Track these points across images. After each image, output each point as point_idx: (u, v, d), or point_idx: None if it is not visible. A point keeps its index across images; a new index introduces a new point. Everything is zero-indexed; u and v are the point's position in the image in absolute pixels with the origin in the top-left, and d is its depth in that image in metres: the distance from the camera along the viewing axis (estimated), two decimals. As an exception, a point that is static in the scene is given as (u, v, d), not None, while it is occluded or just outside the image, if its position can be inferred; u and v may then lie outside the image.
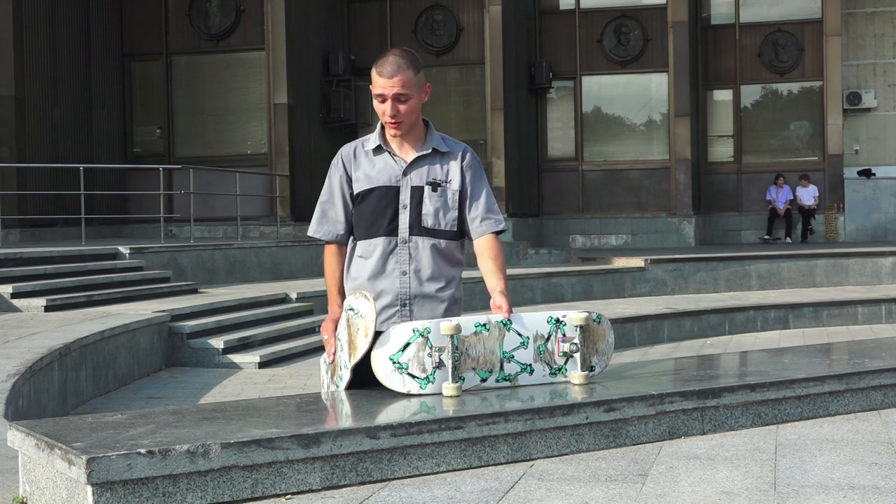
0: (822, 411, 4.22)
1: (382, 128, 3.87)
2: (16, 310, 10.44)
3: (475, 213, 3.88)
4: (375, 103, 3.80)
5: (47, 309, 10.41)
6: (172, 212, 16.63)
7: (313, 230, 3.93)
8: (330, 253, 3.92)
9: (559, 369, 3.86)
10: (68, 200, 16.40)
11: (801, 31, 22.14)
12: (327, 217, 3.89)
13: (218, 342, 10.21)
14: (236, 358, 10.13)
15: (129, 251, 12.98)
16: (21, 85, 16.13)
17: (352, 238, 3.91)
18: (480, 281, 3.54)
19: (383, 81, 3.74)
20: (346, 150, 3.92)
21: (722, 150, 22.67)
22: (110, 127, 18.67)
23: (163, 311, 10.44)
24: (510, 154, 19.71)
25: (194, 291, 12.55)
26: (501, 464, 3.46)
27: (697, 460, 3.54)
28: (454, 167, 3.87)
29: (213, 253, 14.25)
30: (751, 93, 22.47)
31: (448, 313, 3.85)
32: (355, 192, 3.85)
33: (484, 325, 3.75)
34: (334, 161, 3.92)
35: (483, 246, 3.88)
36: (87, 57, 18.04)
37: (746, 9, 22.37)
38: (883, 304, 15.15)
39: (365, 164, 3.86)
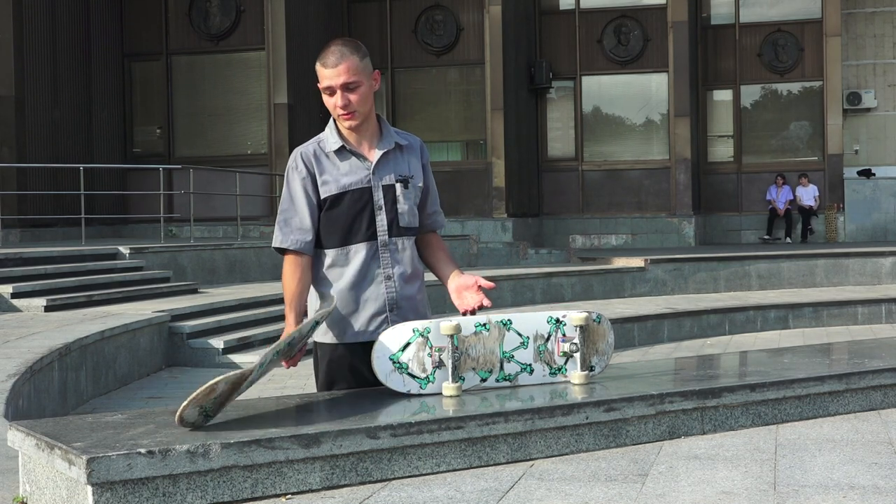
0: (822, 411, 4.22)
1: (336, 125, 3.71)
2: (16, 310, 10.44)
3: (434, 208, 3.84)
4: (325, 99, 3.64)
5: (47, 309, 10.41)
6: (172, 212, 16.63)
7: (278, 241, 3.63)
8: (292, 264, 3.62)
9: (559, 369, 3.86)
10: (68, 200, 16.40)
11: (801, 31, 22.15)
12: (291, 225, 3.63)
13: (218, 342, 10.21)
14: (236, 358, 10.13)
15: (129, 251, 12.98)
16: (21, 85, 16.14)
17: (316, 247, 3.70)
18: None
19: (328, 72, 3.58)
20: (305, 151, 3.67)
21: (722, 150, 22.68)
22: (110, 127, 18.68)
23: (163, 311, 10.44)
24: (510, 154, 19.71)
25: (194, 291, 12.55)
26: (501, 464, 3.46)
27: (697, 460, 3.54)
28: (415, 162, 3.76)
29: (213, 253, 14.25)
30: (751, 93, 22.47)
31: (425, 310, 3.80)
32: (322, 196, 3.62)
33: (484, 325, 3.74)
34: (292, 165, 3.66)
35: (433, 239, 3.85)
36: (87, 57, 18.04)
37: (746, 9, 22.37)
38: (883, 304, 15.15)
39: (329, 166, 3.65)
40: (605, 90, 21.80)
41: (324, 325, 3.69)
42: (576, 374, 3.84)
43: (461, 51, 20.10)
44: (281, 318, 11.61)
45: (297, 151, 3.71)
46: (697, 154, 21.77)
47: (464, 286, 3.71)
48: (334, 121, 3.72)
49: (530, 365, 3.80)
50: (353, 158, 3.68)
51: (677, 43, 20.95)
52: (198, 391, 3.13)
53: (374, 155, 3.69)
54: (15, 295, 10.54)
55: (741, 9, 22.36)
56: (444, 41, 20.11)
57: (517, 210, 20.08)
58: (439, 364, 3.64)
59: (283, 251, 3.68)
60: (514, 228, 19.28)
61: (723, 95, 22.63)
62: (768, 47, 22.21)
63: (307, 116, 18.72)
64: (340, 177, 3.65)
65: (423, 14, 20.30)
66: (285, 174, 3.72)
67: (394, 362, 3.60)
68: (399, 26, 20.36)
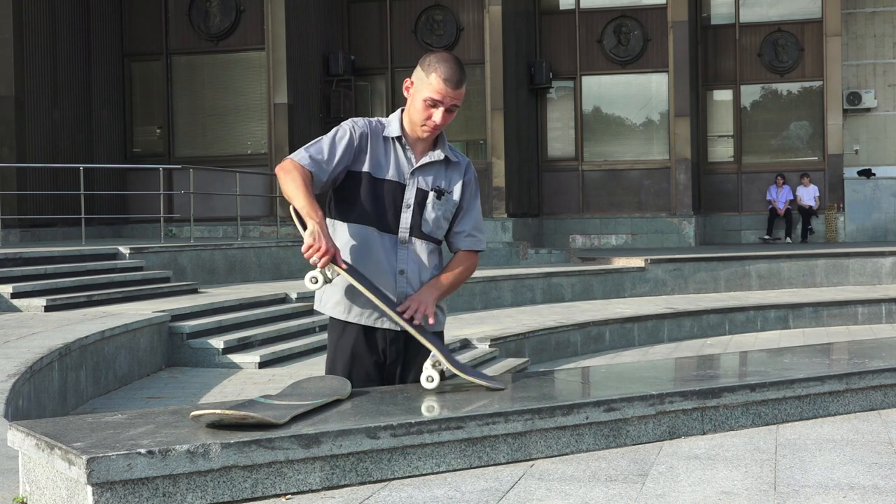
0: (822, 411, 4.22)
1: (402, 117, 3.78)
2: (16, 310, 10.44)
3: (464, 227, 3.85)
4: (421, 105, 3.65)
5: (47, 309, 10.41)
6: (172, 212, 16.63)
7: (298, 156, 3.63)
8: (301, 173, 3.58)
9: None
10: (68, 200, 16.40)
11: (801, 31, 22.14)
12: (320, 155, 3.64)
13: (218, 342, 10.20)
14: (236, 358, 10.13)
15: (129, 251, 12.98)
16: (21, 85, 16.14)
17: (332, 212, 3.78)
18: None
19: (449, 91, 3.62)
20: (369, 124, 3.75)
21: (722, 150, 22.67)
22: (110, 127, 18.67)
23: (163, 311, 10.44)
24: (510, 154, 19.71)
25: (194, 291, 12.55)
26: (501, 464, 3.46)
27: (697, 460, 3.54)
28: (457, 179, 3.82)
29: (213, 253, 14.25)
30: (751, 93, 22.47)
31: (439, 314, 3.82)
32: (364, 169, 3.70)
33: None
34: (353, 123, 3.73)
35: (461, 258, 3.87)
36: (87, 57, 18.04)
37: (746, 9, 22.37)
38: (883, 304, 15.16)
39: (380, 148, 3.73)
40: (605, 90, 21.79)
41: (336, 297, 3.76)
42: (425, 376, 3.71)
43: (461, 51, 20.10)
44: (281, 317, 11.66)
45: (361, 119, 3.78)
46: (697, 154, 21.77)
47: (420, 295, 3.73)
48: (402, 112, 3.79)
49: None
50: (402, 153, 3.75)
51: (677, 43, 20.95)
52: (230, 413, 3.16)
53: (422, 158, 3.77)
54: (15, 295, 10.54)
55: (741, 9, 22.36)
56: (444, 41, 20.12)
57: (517, 210, 20.08)
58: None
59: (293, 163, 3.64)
60: (514, 228, 19.28)
61: (723, 95, 22.62)
62: (768, 47, 22.21)
63: (307, 116, 18.73)
64: (385, 164, 3.73)
65: (423, 14, 20.30)
66: (338, 126, 3.73)
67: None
68: (399, 26, 20.37)
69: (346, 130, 3.72)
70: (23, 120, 16.23)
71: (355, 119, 3.78)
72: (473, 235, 3.87)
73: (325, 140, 3.71)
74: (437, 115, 3.66)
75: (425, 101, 3.66)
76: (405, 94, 3.75)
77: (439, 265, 3.85)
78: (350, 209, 3.74)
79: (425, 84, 3.66)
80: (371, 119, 3.80)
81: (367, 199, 3.71)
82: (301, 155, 3.66)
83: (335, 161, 3.67)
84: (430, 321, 3.70)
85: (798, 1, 22.21)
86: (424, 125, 3.69)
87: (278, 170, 3.67)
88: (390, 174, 3.72)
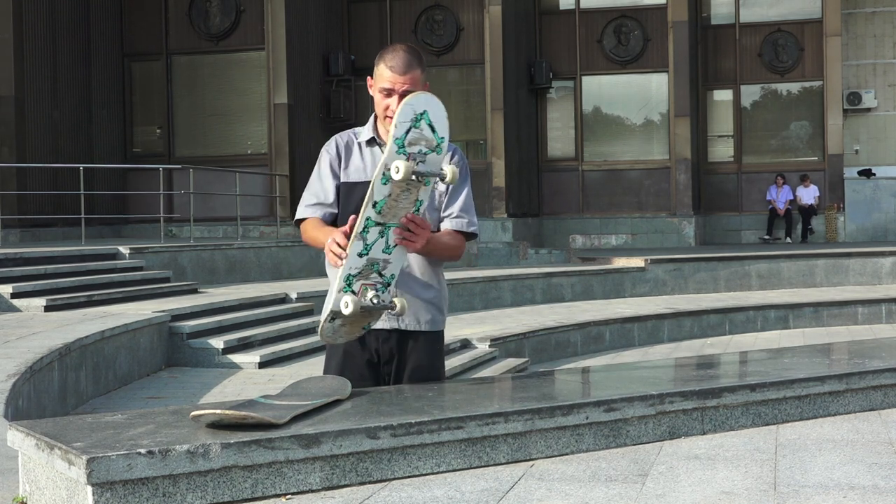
0: (822, 411, 4.22)
1: (375, 120, 3.82)
2: (16, 310, 10.44)
3: (450, 211, 3.82)
4: (378, 97, 3.74)
5: (47, 309, 10.41)
6: (172, 212, 16.63)
7: (301, 212, 3.83)
8: (309, 223, 3.80)
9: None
10: (68, 200, 16.40)
11: (801, 31, 22.15)
12: (316, 198, 3.81)
13: (218, 342, 10.20)
14: (236, 358, 10.13)
15: (129, 251, 12.98)
16: (21, 85, 16.14)
17: None
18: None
19: (393, 77, 3.69)
20: (341, 138, 3.87)
21: (722, 150, 22.67)
22: (110, 127, 18.68)
23: (163, 311, 10.44)
24: (510, 154, 19.71)
25: (194, 291, 12.55)
26: (501, 464, 3.46)
27: (697, 460, 3.54)
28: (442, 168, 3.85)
29: (213, 253, 14.25)
30: (751, 93, 22.48)
31: (434, 313, 3.81)
32: (342, 180, 3.80)
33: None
34: (327, 147, 3.86)
35: (450, 232, 3.78)
36: (87, 57, 18.04)
37: (746, 9, 22.37)
38: (883, 304, 15.16)
39: (356, 156, 3.81)
40: (605, 90, 21.79)
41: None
42: (351, 300, 3.54)
43: (461, 51, 20.10)
44: (281, 317, 11.67)
45: (334, 136, 3.91)
46: (697, 154, 21.77)
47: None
48: (375, 116, 3.85)
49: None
50: (378, 152, 3.80)
51: (677, 43, 20.95)
52: (230, 413, 3.17)
53: None
54: (15, 295, 10.54)
55: (741, 9, 22.36)
56: (444, 41, 20.12)
57: (517, 210, 20.08)
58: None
59: (302, 221, 3.84)
60: (514, 228, 19.28)
61: (723, 95, 22.63)
62: (768, 47, 22.21)
63: (307, 116, 18.73)
64: (363, 167, 3.79)
65: (423, 14, 20.30)
66: (320, 153, 3.90)
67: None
68: (399, 26, 20.36)
69: (325, 158, 3.85)
70: (23, 120, 16.23)
71: (330, 141, 3.90)
72: (460, 217, 3.81)
73: (313, 179, 3.86)
74: (393, 103, 3.69)
75: (380, 92, 3.73)
76: (370, 92, 3.81)
77: (431, 259, 3.80)
78: (342, 220, 3.72)
79: (377, 76, 3.75)
80: (344, 133, 3.89)
81: (346, 205, 3.76)
82: (302, 212, 3.84)
83: (331, 191, 3.81)
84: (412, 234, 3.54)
85: (798, 1, 22.22)
86: (387, 116, 3.73)
87: (302, 236, 3.86)
88: (366, 176, 3.75)
